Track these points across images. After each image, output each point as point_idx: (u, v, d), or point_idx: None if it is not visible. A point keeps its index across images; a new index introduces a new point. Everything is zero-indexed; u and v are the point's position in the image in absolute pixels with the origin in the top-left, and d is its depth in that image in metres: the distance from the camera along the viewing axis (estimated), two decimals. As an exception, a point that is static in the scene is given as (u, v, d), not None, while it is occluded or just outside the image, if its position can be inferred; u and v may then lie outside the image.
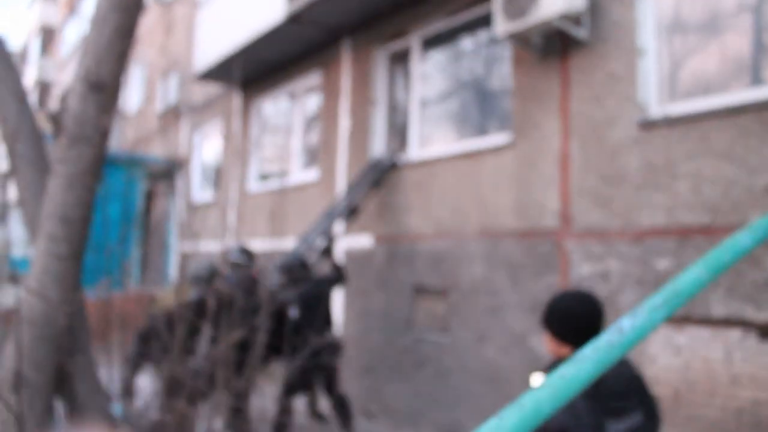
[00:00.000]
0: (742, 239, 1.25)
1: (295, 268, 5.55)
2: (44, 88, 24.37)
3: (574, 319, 2.03)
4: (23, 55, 27.50)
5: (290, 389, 5.31)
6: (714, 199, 4.01)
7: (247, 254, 6.03)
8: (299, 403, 5.64)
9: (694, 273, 1.10)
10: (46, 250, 2.34)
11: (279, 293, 5.37)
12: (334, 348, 5.50)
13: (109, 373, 2.47)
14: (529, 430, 0.86)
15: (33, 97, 22.89)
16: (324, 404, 6.16)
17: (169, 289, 6.08)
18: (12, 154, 2.51)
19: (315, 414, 5.97)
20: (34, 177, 2.52)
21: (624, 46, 4.59)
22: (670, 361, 4.18)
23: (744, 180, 3.88)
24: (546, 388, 0.88)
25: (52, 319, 2.34)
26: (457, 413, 5.42)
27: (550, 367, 2.01)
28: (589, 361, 0.91)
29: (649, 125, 4.39)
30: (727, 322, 3.91)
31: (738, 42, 4.24)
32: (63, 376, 2.43)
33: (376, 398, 6.46)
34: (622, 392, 1.74)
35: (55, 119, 2.38)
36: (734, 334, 3.90)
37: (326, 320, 5.50)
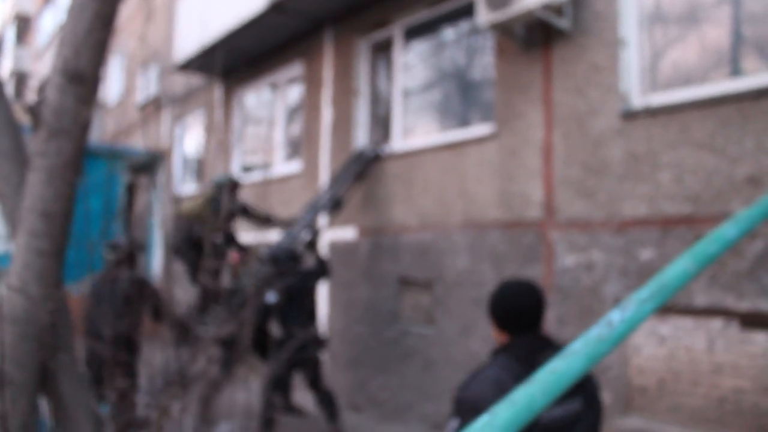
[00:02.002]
0: (727, 231, 1.26)
1: (283, 260, 5.52)
2: (20, 78, 23.97)
3: (512, 309, 2.10)
4: (-2, 45, 27.02)
5: (275, 383, 5.30)
6: (696, 189, 4.04)
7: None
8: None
9: (681, 265, 1.10)
10: (27, 246, 2.30)
11: (265, 284, 5.36)
12: (318, 342, 5.50)
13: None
14: (521, 425, 0.85)
15: (9, 88, 22.50)
16: (299, 398, 6.16)
17: (195, 196, 6.35)
18: (-11, 148, 2.46)
19: (290, 408, 5.96)
20: (12, 170, 2.47)
21: (606, 37, 4.60)
22: (654, 350, 4.22)
23: (725, 170, 3.91)
24: (537, 383, 0.88)
25: (35, 317, 2.30)
26: (444, 405, 5.44)
27: (493, 353, 2.08)
28: (579, 355, 0.90)
29: (631, 116, 4.41)
30: (709, 312, 3.95)
31: (718, 33, 4.26)
32: (46, 374, 2.39)
33: (363, 391, 6.47)
34: None
35: (34, 111, 2.33)
36: (716, 323, 3.95)
37: (310, 314, 5.49)
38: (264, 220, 6.61)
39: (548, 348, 2.01)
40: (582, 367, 0.90)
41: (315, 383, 5.42)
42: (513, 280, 2.20)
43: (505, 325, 2.10)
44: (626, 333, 1.00)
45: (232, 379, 4.71)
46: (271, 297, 5.32)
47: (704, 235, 3.89)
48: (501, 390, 1.84)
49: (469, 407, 1.86)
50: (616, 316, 1.00)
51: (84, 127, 2.37)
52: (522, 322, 2.08)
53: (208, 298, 5.60)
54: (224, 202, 5.98)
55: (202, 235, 5.77)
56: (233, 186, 6.47)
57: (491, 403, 1.79)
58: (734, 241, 1.31)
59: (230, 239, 6.47)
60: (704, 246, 1.14)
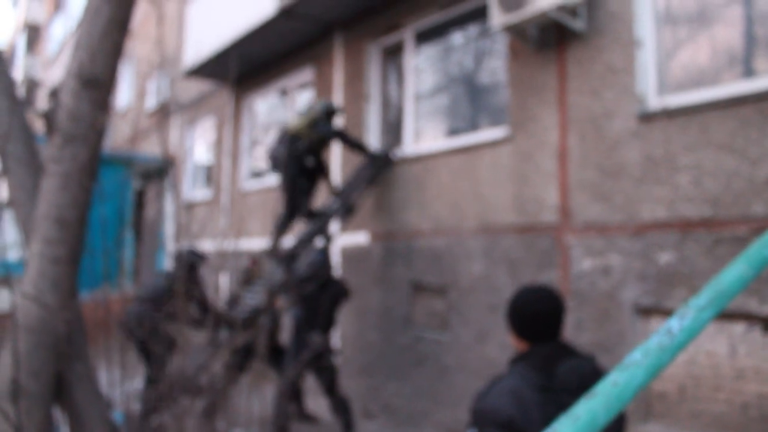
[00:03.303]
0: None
1: (321, 268, 5.48)
2: (31, 86, 24.09)
3: (531, 316, 2.03)
4: (9, 53, 27.16)
5: (290, 390, 5.25)
6: (715, 192, 3.97)
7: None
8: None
9: (736, 270, 1.05)
10: (42, 254, 2.26)
11: (281, 291, 5.32)
12: (333, 349, 5.44)
13: (108, 379, 2.40)
14: (584, 442, 0.80)
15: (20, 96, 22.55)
16: (311, 405, 6.11)
17: (302, 115, 6.33)
18: (3, 154, 2.43)
19: (303, 415, 5.91)
20: (26, 177, 2.43)
21: (621, 38, 4.55)
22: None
23: (745, 172, 3.84)
24: (599, 396, 0.83)
25: (50, 326, 2.26)
26: (459, 412, 5.37)
27: (511, 361, 2.02)
28: (640, 366, 0.85)
29: (648, 117, 4.35)
30: (732, 316, 3.88)
31: (732, 33, 4.20)
32: (61, 384, 2.35)
33: (376, 398, 6.41)
34: (577, 389, 1.69)
35: (48, 117, 2.30)
36: (738, 327, 3.87)
37: (327, 322, 5.42)
38: (356, 147, 6.48)
39: (568, 356, 1.95)
40: (644, 378, 0.85)
41: (331, 390, 5.37)
42: (531, 285, 2.13)
43: (524, 333, 2.04)
44: (686, 341, 0.95)
45: (242, 387, 4.67)
46: (297, 312, 5.33)
47: (724, 239, 3.84)
48: (520, 401, 1.80)
49: (487, 418, 1.82)
50: (675, 324, 0.94)
51: (99, 132, 2.34)
52: (541, 330, 2.01)
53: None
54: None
55: (303, 152, 6.06)
56: (331, 112, 6.41)
57: (510, 415, 1.76)
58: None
59: (321, 169, 6.49)
60: (759, 249, 1.08)
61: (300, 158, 6.15)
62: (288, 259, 5.76)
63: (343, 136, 6.38)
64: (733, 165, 3.90)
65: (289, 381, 5.15)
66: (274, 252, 6.23)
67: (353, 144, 6.39)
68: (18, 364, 2.17)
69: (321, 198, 6.89)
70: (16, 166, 2.47)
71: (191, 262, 5.80)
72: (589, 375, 1.86)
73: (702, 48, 4.38)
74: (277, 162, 6.27)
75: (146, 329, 5.43)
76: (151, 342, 5.28)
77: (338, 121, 6.86)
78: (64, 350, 2.32)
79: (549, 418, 1.68)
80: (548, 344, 2.00)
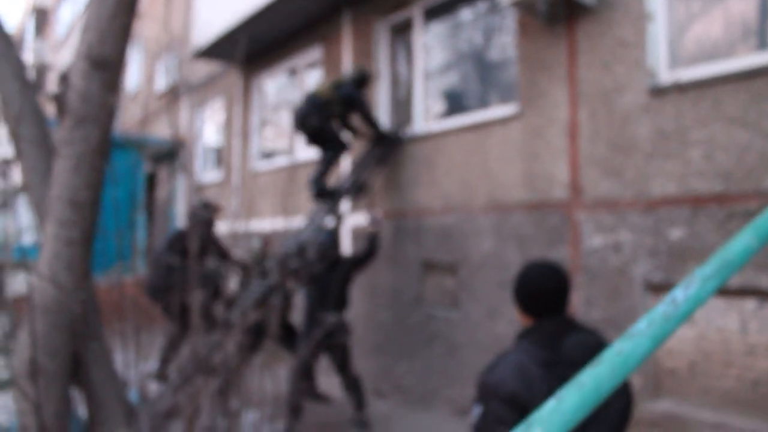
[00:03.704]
0: (785, 204, 1.20)
1: (329, 249, 5.51)
2: (41, 69, 24.14)
3: (536, 292, 2.06)
4: (19, 37, 27.20)
5: (303, 369, 5.30)
6: (727, 166, 3.94)
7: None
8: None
9: (743, 241, 1.05)
10: (56, 235, 2.30)
11: (292, 272, 5.36)
12: (345, 328, 5.48)
13: (123, 359, 2.45)
14: (590, 409, 0.81)
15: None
16: (323, 384, 6.17)
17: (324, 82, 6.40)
18: (16, 136, 2.45)
19: (315, 395, 5.98)
20: (39, 160, 2.46)
21: (632, 11, 4.50)
22: (684, 332, 4.15)
23: (758, 146, 3.81)
24: (604, 364, 0.84)
25: (66, 306, 2.30)
26: (469, 389, 5.41)
27: (517, 337, 2.05)
28: (645, 335, 0.86)
29: (659, 92, 4.31)
30: (742, 292, 3.87)
31: (745, 5, 4.14)
32: (78, 363, 2.39)
33: (387, 377, 6.47)
34: (582, 362, 1.71)
35: (59, 99, 2.32)
36: (749, 303, 3.87)
37: (339, 301, 5.45)
38: (369, 121, 6.35)
39: (573, 331, 1.97)
40: (649, 347, 0.86)
41: (343, 369, 5.42)
42: (537, 261, 2.15)
43: (529, 308, 2.07)
44: (691, 311, 0.95)
45: (253, 367, 4.72)
46: (309, 291, 5.40)
47: (736, 213, 3.82)
48: (524, 375, 1.83)
49: (492, 393, 1.85)
50: (679, 294, 0.95)
51: (110, 113, 2.35)
52: (546, 305, 2.04)
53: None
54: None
55: (328, 114, 6.11)
56: (362, 78, 6.39)
57: (514, 389, 1.80)
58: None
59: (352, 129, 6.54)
60: (766, 221, 1.08)
61: (323, 115, 6.14)
62: (299, 240, 5.79)
63: (361, 104, 6.26)
64: (746, 139, 3.87)
65: (302, 360, 5.20)
66: (319, 191, 6.29)
67: (367, 117, 6.31)
68: (36, 344, 2.21)
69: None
70: (28, 148, 2.50)
71: (206, 217, 6.04)
72: (594, 349, 1.87)
73: (714, 21, 4.33)
74: (301, 126, 6.25)
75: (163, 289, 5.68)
76: (169, 298, 5.54)
77: (366, 91, 6.76)
78: (79, 330, 2.36)
79: (553, 392, 1.71)
80: (554, 319, 2.02)
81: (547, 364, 1.86)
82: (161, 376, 6.02)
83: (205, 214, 6.14)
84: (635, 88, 4.45)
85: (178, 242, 6.08)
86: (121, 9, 2.30)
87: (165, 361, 6.12)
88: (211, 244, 6.17)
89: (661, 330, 0.88)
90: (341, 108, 6.19)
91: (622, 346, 0.84)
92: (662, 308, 0.91)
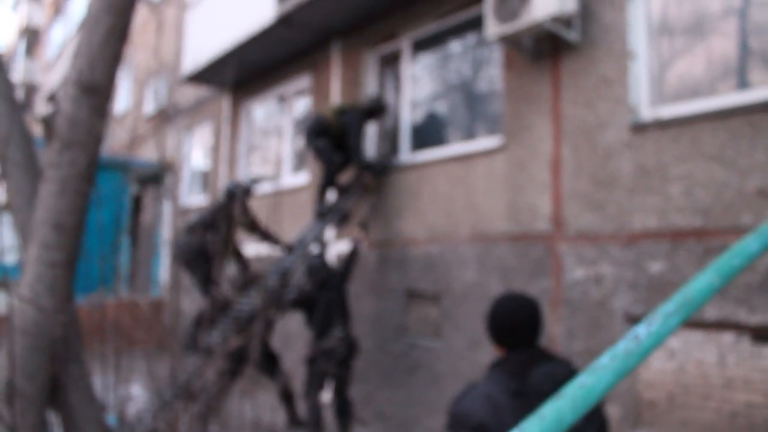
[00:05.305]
0: (750, 244, 1.25)
1: (320, 271, 5.51)
2: (30, 90, 24.12)
3: (507, 324, 2.10)
4: (9, 57, 27.20)
5: (316, 386, 5.25)
6: (706, 202, 4.02)
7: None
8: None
9: (705, 279, 1.09)
10: (39, 258, 2.30)
11: (274, 298, 5.36)
12: (353, 349, 5.43)
13: (103, 382, 2.44)
14: (551, 441, 0.84)
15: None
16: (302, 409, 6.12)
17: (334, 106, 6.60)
18: (3, 158, 2.46)
19: (295, 421, 5.91)
20: (25, 182, 2.47)
21: (615, 49, 4.61)
22: (664, 364, 4.19)
23: (735, 183, 3.89)
24: (566, 398, 0.87)
25: (46, 329, 2.29)
26: (450, 417, 5.40)
27: (489, 367, 2.08)
28: (607, 369, 0.89)
29: (640, 128, 4.40)
30: (721, 325, 3.92)
31: (726, 45, 4.26)
32: (56, 386, 2.38)
33: (369, 405, 6.43)
34: (549, 393, 1.74)
35: (47, 123, 2.34)
36: (728, 337, 3.92)
37: (344, 316, 5.44)
38: (357, 152, 6.46)
39: (544, 362, 2.01)
40: (610, 381, 0.89)
41: (342, 391, 5.39)
42: (508, 294, 2.19)
43: (501, 340, 2.11)
44: (653, 347, 0.99)
45: (234, 393, 4.70)
46: (291, 293, 5.40)
47: (714, 248, 3.89)
48: (493, 406, 1.87)
49: (461, 422, 1.89)
50: (642, 330, 0.99)
51: (98, 138, 2.38)
52: (517, 337, 2.08)
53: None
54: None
55: (332, 133, 6.32)
56: (375, 109, 6.55)
57: (482, 419, 1.83)
58: (757, 254, 1.29)
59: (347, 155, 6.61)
60: (728, 259, 1.12)
61: (321, 136, 6.35)
62: (284, 269, 5.80)
63: (353, 134, 6.37)
64: (724, 176, 3.95)
65: (314, 377, 5.20)
66: (322, 214, 6.45)
67: (356, 147, 6.41)
68: (14, 365, 2.20)
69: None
70: (14, 170, 2.51)
71: (241, 193, 6.18)
72: (563, 379, 1.90)
73: (695, 60, 4.44)
74: (309, 144, 6.49)
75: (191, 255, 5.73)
76: (198, 265, 5.75)
77: (377, 120, 6.90)
78: (59, 353, 2.35)
79: (521, 422, 1.74)
80: (525, 351, 2.06)
81: (516, 395, 1.89)
82: (190, 347, 5.87)
83: (238, 191, 6.29)
84: (617, 125, 4.53)
85: (215, 216, 6.17)
86: (112, 37, 2.34)
87: (192, 336, 5.99)
88: (250, 219, 6.36)
89: (623, 365, 0.91)
90: (339, 133, 6.31)
91: (585, 379, 0.87)
92: (624, 344, 0.94)
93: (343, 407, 5.41)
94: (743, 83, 4.13)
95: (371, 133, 7.09)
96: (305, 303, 5.41)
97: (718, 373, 3.95)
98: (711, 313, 3.91)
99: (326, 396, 5.47)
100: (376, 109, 6.48)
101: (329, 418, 5.62)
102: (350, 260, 5.75)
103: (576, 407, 0.86)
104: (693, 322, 4.02)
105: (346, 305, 5.53)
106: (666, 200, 4.22)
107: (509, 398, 1.88)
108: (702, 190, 4.05)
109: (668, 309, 1.01)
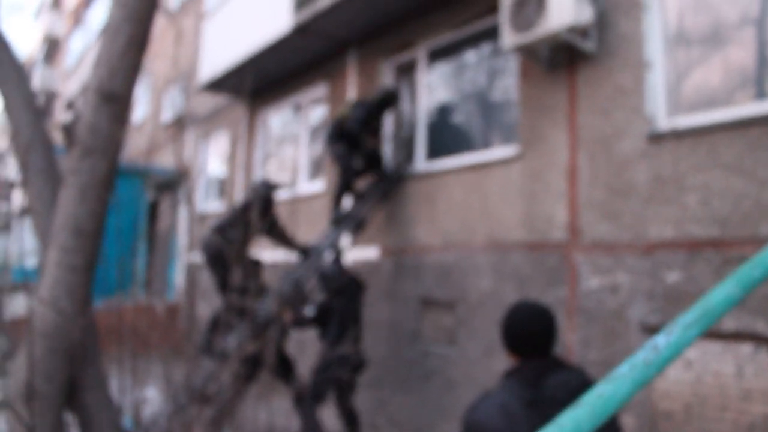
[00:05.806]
0: (770, 254, 1.24)
1: (335, 279, 5.52)
2: (49, 97, 24.46)
3: (521, 333, 2.10)
4: (29, 65, 27.62)
5: (321, 395, 5.25)
6: (723, 212, 3.99)
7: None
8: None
9: (725, 290, 1.09)
10: (59, 262, 2.33)
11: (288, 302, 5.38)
12: (359, 361, 5.42)
13: (119, 385, 2.46)
14: (568, 451, 0.84)
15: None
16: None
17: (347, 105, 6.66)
18: (24, 165, 2.51)
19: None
20: (45, 188, 2.51)
21: (631, 59, 4.59)
22: (680, 375, 4.15)
23: (753, 193, 3.86)
24: (584, 406, 0.87)
25: (65, 331, 2.33)
26: (464, 427, 5.38)
27: (504, 376, 2.08)
28: (626, 379, 0.89)
29: (657, 138, 4.38)
30: (738, 336, 3.88)
31: (743, 55, 4.24)
32: (74, 388, 2.41)
33: (383, 411, 6.42)
34: (564, 402, 1.73)
35: (68, 130, 2.38)
36: (746, 348, 3.88)
37: (357, 325, 5.44)
38: (373, 158, 6.56)
39: (558, 370, 2.00)
40: (629, 391, 0.89)
41: (344, 401, 5.38)
42: (523, 303, 2.19)
43: (515, 348, 2.11)
44: (672, 358, 0.99)
45: (248, 397, 4.71)
46: (310, 311, 5.36)
47: (732, 259, 3.85)
48: (507, 414, 1.86)
49: (476, 431, 1.87)
50: (661, 340, 0.98)
51: (117, 145, 2.41)
52: (531, 346, 2.08)
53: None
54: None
55: (351, 131, 6.29)
56: (387, 100, 6.55)
57: (497, 428, 1.82)
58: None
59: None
60: (748, 270, 1.12)
61: (349, 135, 6.34)
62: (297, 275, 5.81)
63: (362, 139, 6.38)
64: (741, 186, 3.92)
65: (317, 389, 5.18)
66: (337, 219, 6.46)
67: (371, 152, 6.44)
68: (33, 367, 2.23)
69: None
70: (35, 177, 2.55)
71: (266, 194, 6.14)
72: (577, 388, 1.90)
73: (712, 70, 4.42)
74: (329, 145, 6.52)
75: (215, 253, 5.78)
76: (220, 265, 5.73)
77: (390, 111, 6.91)
78: (77, 355, 2.38)
79: (535, 431, 1.73)
80: (539, 359, 2.05)
81: (531, 404, 1.89)
82: (204, 350, 5.84)
83: (265, 190, 6.26)
84: (634, 134, 4.52)
85: (241, 215, 6.14)
86: (132, 46, 2.38)
87: (207, 340, 5.96)
88: (270, 222, 6.31)
89: (641, 375, 0.91)
90: (353, 121, 6.35)
91: (604, 389, 0.87)
92: (644, 354, 0.94)
93: (352, 416, 5.40)
94: (761, 93, 4.10)
95: (387, 142, 7.10)
96: (322, 317, 5.43)
97: (736, 385, 3.91)
98: (729, 324, 3.87)
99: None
100: (387, 99, 6.48)
101: (335, 427, 5.62)
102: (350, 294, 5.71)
103: (594, 416, 0.86)
104: (711, 333, 3.99)
105: (359, 315, 5.52)
106: (683, 210, 4.19)
107: (523, 407, 1.88)
108: (719, 200, 4.02)
109: (687, 319, 1.01)
